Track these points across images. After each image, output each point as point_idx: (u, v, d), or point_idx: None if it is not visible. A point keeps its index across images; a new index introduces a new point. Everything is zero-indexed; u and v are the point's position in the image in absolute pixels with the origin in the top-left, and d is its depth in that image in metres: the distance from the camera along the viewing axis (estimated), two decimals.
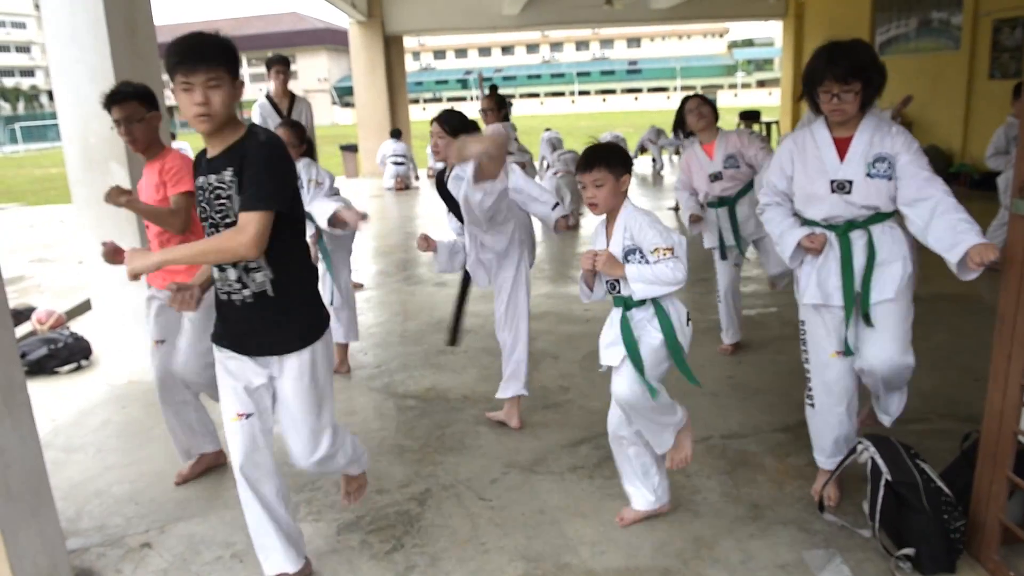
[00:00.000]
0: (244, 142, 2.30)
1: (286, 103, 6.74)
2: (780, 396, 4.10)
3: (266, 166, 2.25)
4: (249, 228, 2.19)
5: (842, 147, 2.77)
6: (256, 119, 6.73)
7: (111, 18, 4.40)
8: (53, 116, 4.95)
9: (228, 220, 2.31)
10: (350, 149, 16.87)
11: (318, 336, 2.48)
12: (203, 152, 2.40)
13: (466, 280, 3.75)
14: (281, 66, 6.68)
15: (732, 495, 3.14)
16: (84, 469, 3.65)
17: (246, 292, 2.38)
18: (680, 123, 4.64)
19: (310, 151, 4.50)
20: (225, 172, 2.29)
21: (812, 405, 3.03)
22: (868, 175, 2.71)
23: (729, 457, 3.47)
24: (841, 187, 2.75)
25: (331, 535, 3.00)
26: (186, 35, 2.24)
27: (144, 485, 3.47)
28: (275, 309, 2.40)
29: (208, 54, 2.22)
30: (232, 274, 2.38)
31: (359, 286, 6.97)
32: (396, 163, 14.29)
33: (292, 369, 2.45)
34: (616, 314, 2.77)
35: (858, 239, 2.80)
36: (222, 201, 2.31)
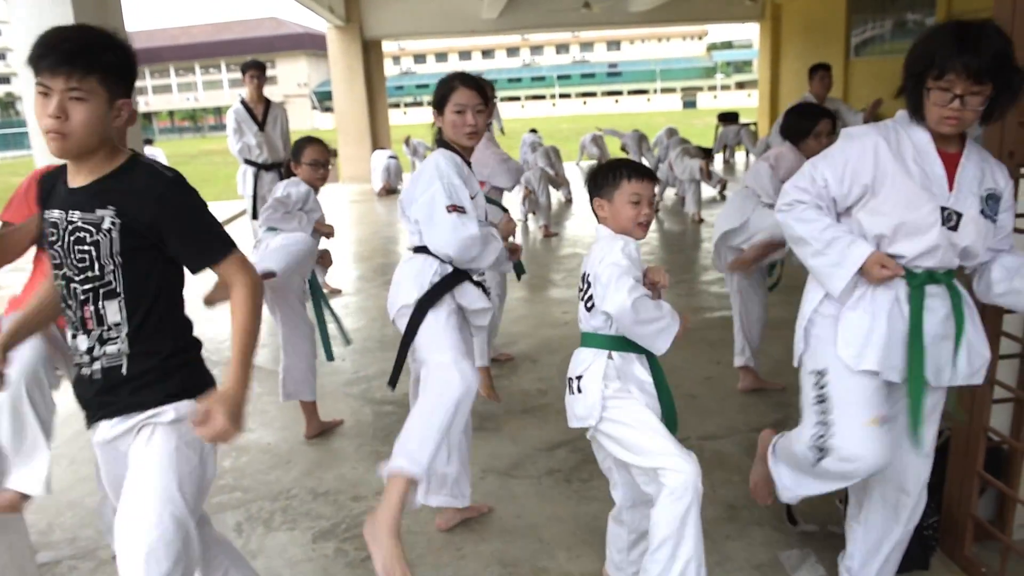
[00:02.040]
0: (128, 175, 1.80)
1: (261, 109, 6.68)
2: (757, 396, 4.12)
3: (202, 211, 1.85)
4: (246, 269, 1.86)
5: (948, 165, 2.07)
6: (231, 125, 6.66)
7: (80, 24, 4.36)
8: None
9: (88, 275, 1.78)
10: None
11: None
12: (56, 174, 1.88)
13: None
14: (256, 71, 6.61)
15: (708, 496, 3.12)
16: (57, 480, 3.57)
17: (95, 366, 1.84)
18: (798, 131, 3.73)
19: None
20: (101, 211, 1.76)
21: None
22: (981, 212, 2.06)
23: (706, 458, 3.46)
24: (949, 219, 2.04)
25: (306, 543, 2.97)
26: (65, 27, 1.74)
27: None
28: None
29: (78, 56, 1.68)
30: (83, 343, 1.84)
31: (337, 291, 6.93)
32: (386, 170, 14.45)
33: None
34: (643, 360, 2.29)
35: (935, 297, 2.11)
36: (85, 248, 1.77)
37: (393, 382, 2.70)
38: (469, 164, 2.77)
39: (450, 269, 2.63)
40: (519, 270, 4.36)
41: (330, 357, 4.10)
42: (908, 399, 2.14)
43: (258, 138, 6.58)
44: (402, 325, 2.62)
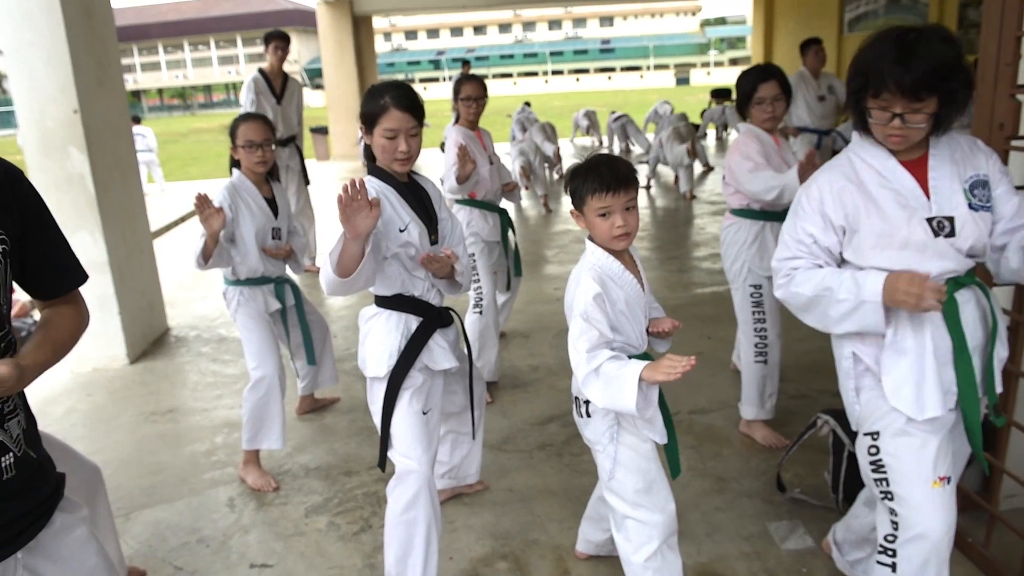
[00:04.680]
0: None
1: (280, 82, 6.40)
2: None
3: (48, 215, 1.50)
4: (83, 304, 1.60)
5: (918, 174, 1.92)
6: (248, 96, 6.24)
7: None
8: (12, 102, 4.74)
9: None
10: (320, 131, 16.71)
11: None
12: None
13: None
14: (280, 41, 6.29)
15: (698, 469, 3.18)
16: None
17: (6, 458, 1.38)
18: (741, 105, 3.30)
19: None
20: None
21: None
22: (971, 207, 1.88)
23: (696, 432, 3.50)
24: (942, 227, 1.87)
25: (298, 518, 2.99)
26: None
27: (109, 473, 3.41)
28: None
29: None
30: None
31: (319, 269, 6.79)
32: None
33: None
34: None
35: (967, 303, 1.91)
36: None
37: (382, 465, 2.44)
38: (407, 185, 2.43)
39: (415, 325, 2.40)
40: (517, 270, 4.34)
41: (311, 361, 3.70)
42: (965, 421, 1.94)
43: (275, 112, 6.30)
44: (374, 394, 2.41)
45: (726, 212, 3.40)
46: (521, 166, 9.38)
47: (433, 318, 2.43)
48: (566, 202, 9.87)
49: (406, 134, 2.31)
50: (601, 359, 1.92)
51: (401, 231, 2.34)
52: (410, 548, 2.33)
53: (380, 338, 2.39)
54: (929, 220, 1.86)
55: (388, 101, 2.29)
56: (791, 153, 3.31)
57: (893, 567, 1.99)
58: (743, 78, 3.26)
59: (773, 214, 3.24)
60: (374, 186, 2.35)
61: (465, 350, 2.65)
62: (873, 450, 2.00)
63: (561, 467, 3.26)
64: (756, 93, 3.18)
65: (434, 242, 2.43)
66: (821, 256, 1.97)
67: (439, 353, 2.44)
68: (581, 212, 2.07)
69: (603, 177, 1.99)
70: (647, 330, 2.18)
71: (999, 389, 1.97)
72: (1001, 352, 1.98)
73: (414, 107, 2.32)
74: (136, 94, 62.37)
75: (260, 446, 3.26)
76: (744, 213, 3.29)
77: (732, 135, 16.24)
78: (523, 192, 10.03)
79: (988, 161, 1.94)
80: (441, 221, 2.49)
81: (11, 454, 1.39)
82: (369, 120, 2.34)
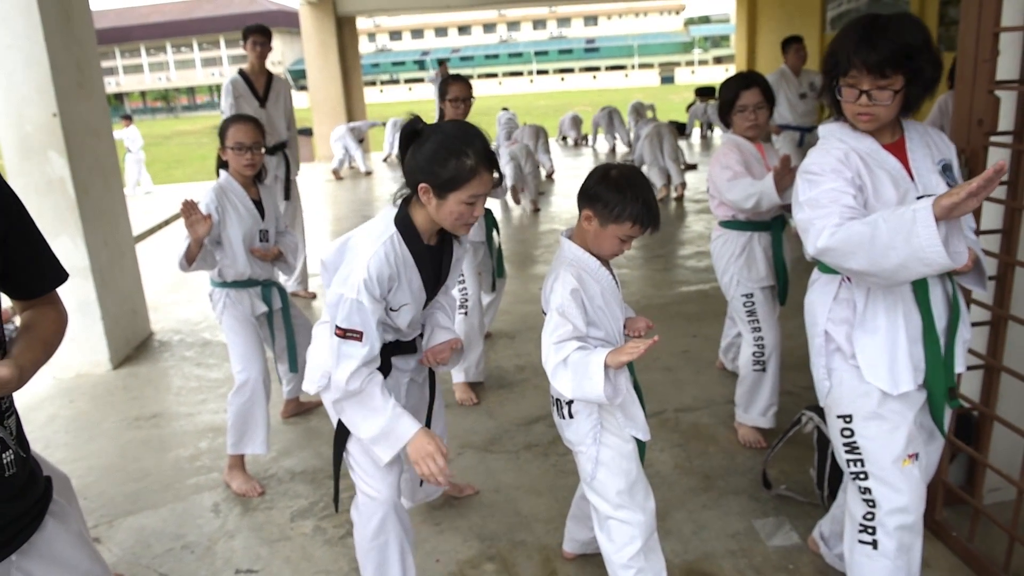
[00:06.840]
0: None
1: (263, 82, 5.75)
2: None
3: (27, 213, 1.48)
4: (62, 303, 1.56)
5: (898, 156, 1.97)
6: (227, 100, 5.64)
7: (43, 1, 4.26)
8: None
9: None
10: (304, 133, 16.63)
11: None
12: None
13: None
14: (260, 36, 5.59)
15: (685, 467, 3.18)
16: None
17: (6, 455, 1.40)
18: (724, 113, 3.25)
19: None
20: None
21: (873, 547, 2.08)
22: (948, 186, 1.94)
23: (682, 430, 3.50)
24: None
25: (284, 522, 2.97)
26: None
27: (93, 479, 3.40)
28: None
29: None
30: None
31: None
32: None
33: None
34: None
35: (935, 287, 1.98)
36: None
37: (336, 503, 2.36)
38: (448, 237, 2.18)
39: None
40: (499, 271, 4.32)
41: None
42: (929, 397, 2.01)
43: (258, 116, 5.58)
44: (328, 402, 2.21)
45: (715, 224, 3.40)
46: (512, 184, 9.11)
47: (392, 349, 2.21)
48: (554, 202, 9.88)
49: (480, 200, 1.98)
50: (568, 350, 1.95)
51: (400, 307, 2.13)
52: (386, 570, 2.25)
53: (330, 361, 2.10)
54: (919, 199, 1.86)
55: (477, 163, 1.92)
56: (776, 158, 3.22)
57: (874, 544, 2.06)
58: (725, 86, 3.22)
59: (760, 224, 3.23)
60: (398, 252, 2.03)
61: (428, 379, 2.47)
62: (847, 432, 2.06)
63: (547, 467, 3.26)
64: (738, 101, 3.15)
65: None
66: (856, 212, 1.86)
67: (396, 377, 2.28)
68: (603, 222, 2.02)
69: (650, 215, 2.02)
70: (624, 330, 2.18)
71: (961, 369, 2.04)
72: (965, 334, 2.05)
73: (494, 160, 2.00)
74: (119, 96, 61.92)
75: (245, 451, 3.24)
76: (731, 225, 3.28)
77: (716, 132, 16.31)
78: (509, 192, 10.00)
79: (951, 150, 2.04)
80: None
81: (11, 451, 1.41)
82: (448, 187, 1.93)
